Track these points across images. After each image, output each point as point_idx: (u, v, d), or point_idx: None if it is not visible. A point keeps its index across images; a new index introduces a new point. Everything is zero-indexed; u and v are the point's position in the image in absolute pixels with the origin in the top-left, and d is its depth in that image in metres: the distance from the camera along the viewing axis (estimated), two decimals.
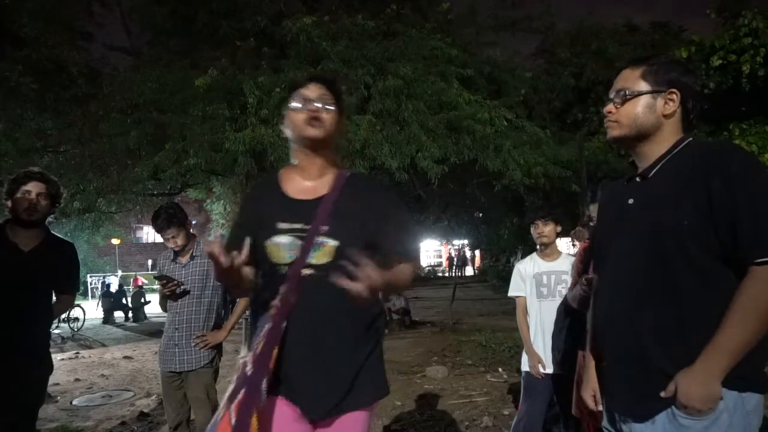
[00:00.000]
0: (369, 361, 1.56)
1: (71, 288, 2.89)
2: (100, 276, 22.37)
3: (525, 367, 3.26)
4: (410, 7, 8.91)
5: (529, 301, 3.29)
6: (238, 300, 3.32)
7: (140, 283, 16.62)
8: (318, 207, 1.54)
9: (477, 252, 27.87)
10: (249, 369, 1.41)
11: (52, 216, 2.82)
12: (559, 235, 3.28)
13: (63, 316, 11.16)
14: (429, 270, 29.44)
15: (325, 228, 1.51)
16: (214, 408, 2.94)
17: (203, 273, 3.19)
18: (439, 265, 32.04)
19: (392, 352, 7.29)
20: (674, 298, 1.35)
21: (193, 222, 16.82)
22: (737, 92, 9.71)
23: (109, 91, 7.89)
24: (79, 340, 11.22)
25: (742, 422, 1.30)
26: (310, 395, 1.48)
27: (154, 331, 11.27)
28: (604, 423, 1.56)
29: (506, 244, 15.25)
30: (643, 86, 1.46)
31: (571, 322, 3.05)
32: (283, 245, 1.52)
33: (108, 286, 16.45)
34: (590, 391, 1.66)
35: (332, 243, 1.50)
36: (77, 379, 6.89)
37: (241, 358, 1.47)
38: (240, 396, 1.37)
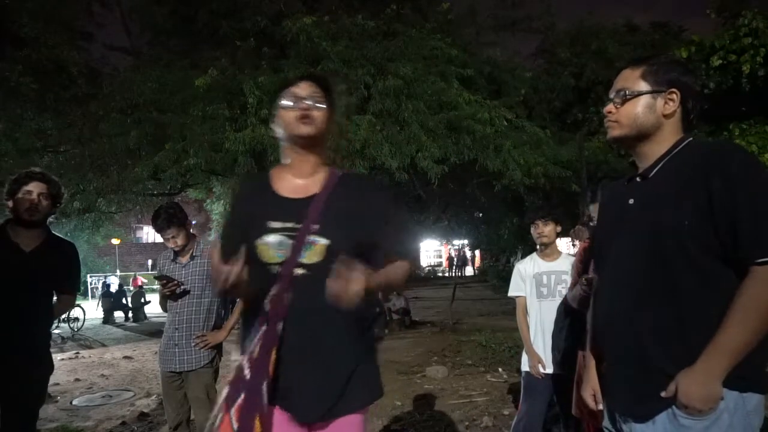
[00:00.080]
0: (363, 363, 1.54)
1: (72, 288, 2.90)
2: (100, 276, 22.37)
3: (525, 367, 3.26)
4: (410, 7, 8.91)
5: (529, 301, 3.29)
6: (238, 300, 3.31)
7: (140, 283, 16.63)
8: (309, 205, 1.53)
9: (477, 252, 27.85)
10: (247, 373, 1.39)
11: (52, 216, 2.82)
12: (559, 235, 3.28)
13: (63, 316, 11.16)
14: (429, 270, 29.47)
15: (316, 227, 1.49)
16: None
17: (203, 273, 3.19)
18: (439, 265, 32.04)
19: (392, 352, 7.30)
20: (674, 298, 1.35)
21: (193, 222, 16.83)
22: (737, 92, 9.70)
23: (109, 91, 7.89)
24: (79, 340, 11.21)
25: (743, 422, 1.30)
26: (304, 399, 1.47)
27: (154, 331, 11.26)
28: (605, 423, 1.56)
29: (506, 244, 15.24)
30: (643, 86, 1.46)
31: (571, 322, 3.05)
32: (274, 244, 1.50)
33: (108, 286, 16.42)
34: (590, 391, 1.66)
35: (323, 242, 1.48)
36: (77, 379, 6.88)
37: (235, 360, 1.45)
38: (240, 400, 1.36)
